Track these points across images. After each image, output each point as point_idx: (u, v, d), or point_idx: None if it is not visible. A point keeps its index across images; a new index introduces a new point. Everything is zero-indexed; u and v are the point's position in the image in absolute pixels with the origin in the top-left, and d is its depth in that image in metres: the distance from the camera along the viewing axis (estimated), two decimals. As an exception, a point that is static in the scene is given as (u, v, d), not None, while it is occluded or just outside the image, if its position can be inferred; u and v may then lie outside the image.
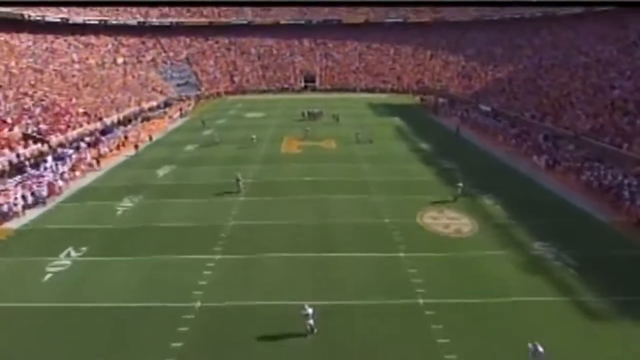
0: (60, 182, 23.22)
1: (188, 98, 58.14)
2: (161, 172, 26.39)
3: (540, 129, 34.66)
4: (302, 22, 74.89)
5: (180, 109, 48.35)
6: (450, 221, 18.95)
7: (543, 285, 14.02)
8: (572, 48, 51.14)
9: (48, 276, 15.03)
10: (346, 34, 73.89)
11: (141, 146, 33.35)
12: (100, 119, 41.13)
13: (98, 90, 49.17)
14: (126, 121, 42.65)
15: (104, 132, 37.65)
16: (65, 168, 26.29)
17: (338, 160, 28.14)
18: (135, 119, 43.41)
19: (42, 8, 58.93)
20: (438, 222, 18.80)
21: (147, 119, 44.49)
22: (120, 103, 47.62)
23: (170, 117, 44.31)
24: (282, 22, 74.61)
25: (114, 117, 42.86)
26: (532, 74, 48.94)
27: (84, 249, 16.94)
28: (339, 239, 17.23)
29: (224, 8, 74.42)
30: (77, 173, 26.08)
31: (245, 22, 74.15)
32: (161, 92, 58.48)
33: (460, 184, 21.68)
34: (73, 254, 16.61)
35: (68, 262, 16.00)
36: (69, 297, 13.70)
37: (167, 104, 52.92)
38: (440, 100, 52.52)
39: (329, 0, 72.41)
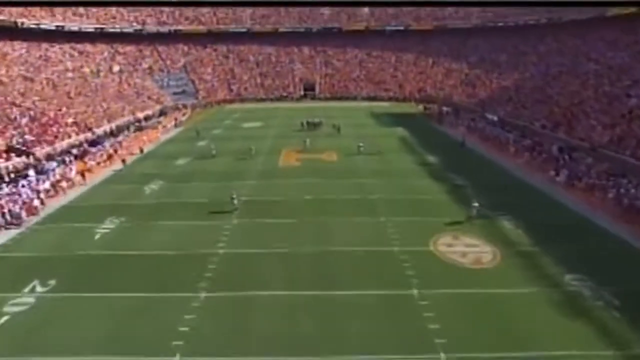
0: (36, 201, 20.99)
1: (185, 107, 56.17)
2: (149, 189, 24.19)
3: (553, 140, 32.51)
4: (302, 29, 73.21)
5: (175, 119, 46.31)
6: (468, 249, 16.70)
7: (586, 333, 11.74)
8: (580, 55, 49.25)
9: (4, 319, 12.77)
10: (346, 41, 72.15)
11: (131, 159, 31.21)
12: (90, 129, 39.08)
13: (91, 100, 47.21)
14: (118, 131, 40.60)
15: (93, 143, 35.58)
16: (47, 184, 24.10)
17: (340, 176, 25.93)
18: (128, 129, 41.33)
19: (37, 15, 57.26)
20: (454, 250, 16.55)
21: (140, 129, 42.44)
22: (113, 113, 45.62)
23: (164, 127, 42.24)
24: (282, 29, 72.97)
25: (106, 128, 40.82)
26: (539, 81, 46.97)
27: (52, 282, 14.70)
28: (342, 273, 14.96)
29: (222, 16, 72.83)
30: (59, 189, 23.88)
31: (243, 29, 72.49)
32: (157, 101, 56.56)
33: (476, 204, 19.47)
34: (38, 289, 14.37)
35: (31, 300, 13.74)
36: (22, 349, 11.43)
37: (162, 113, 50.95)
38: (444, 109, 50.50)
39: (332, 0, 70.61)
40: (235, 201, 20.73)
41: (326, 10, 75.22)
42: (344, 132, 38.21)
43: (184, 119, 47.16)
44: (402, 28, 71.65)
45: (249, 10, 73.94)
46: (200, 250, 16.70)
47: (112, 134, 39.65)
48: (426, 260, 15.85)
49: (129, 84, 57.48)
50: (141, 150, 33.37)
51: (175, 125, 43.75)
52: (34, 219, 20.29)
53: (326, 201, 21.59)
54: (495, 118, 42.92)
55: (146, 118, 47.26)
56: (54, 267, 15.65)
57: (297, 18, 74.03)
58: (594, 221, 19.32)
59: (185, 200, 22.39)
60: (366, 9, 75.07)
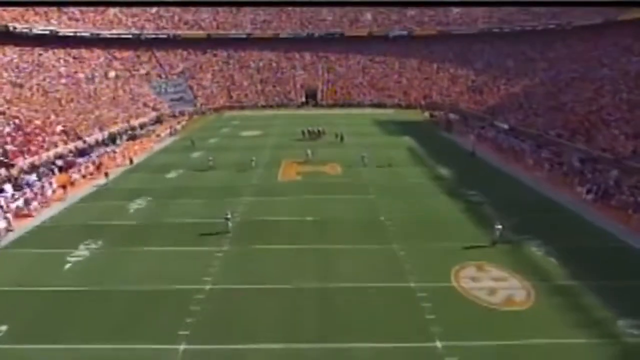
0: (2, 223, 18.52)
1: (182, 114, 53.88)
2: (134, 207, 21.70)
3: (572, 151, 30.05)
4: (303, 35, 71.09)
5: (171, 127, 43.94)
6: (496, 284, 14.15)
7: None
8: (592, 60, 46.92)
9: None
10: (349, 47, 69.98)
11: (118, 171, 28.81)
12: (80, 137, 36.75)
13: (83, 107, 44.96)
14: (110, 140, 38.24)
15: (81, 153, 33.22)
16: (20, 202, 21.66)
17: (345, 192, 23.41)
18: (121, 137, 38.97)
19: (30, 20, 55.25)
20: (480, 286, 14.00)
21: (134, 137, 40.10)
22: (106, 120, 43.33)
23: (158, 135, 39.83)
24: (283, 35, 70.89)
25: (97, 136, 38.50)
26: (551, 88, 44.58)
27: (3, 328, 12.19)
28: (349, 317, 12.41)
29: (222, 20, 70.83)
30: (33, 207, 21.43)
31: (244, 35, 70.41)
32: (153, 108, 54.30)
33: (499, 226, 16.93)
34: (-12, 338, 11.85)
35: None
36: None
37: (158, 121, 48.64)
38: (452, 116, 48.11)
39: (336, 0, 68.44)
40: (230, 223, 18.29)
41: (328, 16, 73.26)
42: (348, 142, 35.81)
43: (179, 127, 44.77)
44: (405, 33, 69.47)
45: (249, 15, 72.00)
46: (184, 285, 14.18)
47: (104, 142, 37.33)
48: (449, 299, 13.30)
49: (124, 91, 55.25)
50: (131, 161, 30.96)
51: (171, 134, 41.39)
52: (1, 243, 17.82)
53: (330, 223, 19.07)
54: (506, 126, 40.51)
55: (141, 126, 44.96)
56: (13, 310, 13.11)
57: (298, 23, 71.99)
58: (636, 246, 16.76)
59: (172, 220, 19.91)
60: (369, 15, 73.11)
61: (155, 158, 32.82)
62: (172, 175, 27.71)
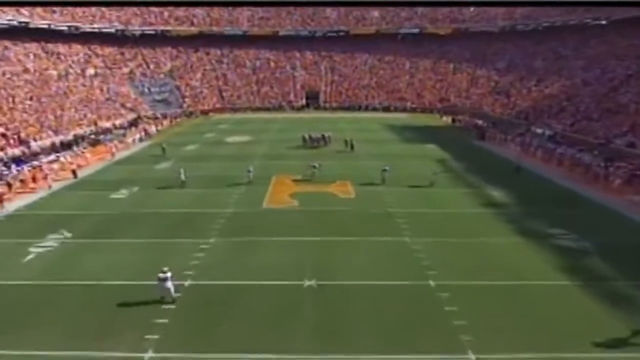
0: None
1: (164, 117, 45.81)
2: (35, 253, 13.39)
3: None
4: (305, 32, 63.37)
5: (145, 130, 35.75)
6: None
7: None
8: (645, 56, 38.68)
9: None
10: (354, 46, 62.14)
11: (56, 187, 20.62)
12: (24, 142, 28.59)
13: (43, 106, 36.85)
14: (65, 146, 30.11)
15: (16, 161, 25.06)
16: None
17: (364, 228, 15.04)
18: (77, 143, 30.81)
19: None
20: None
21: (97, 142, 31.97)
22: (67, 122, 35.20)
23: (121, 141, 31.54)
24: (282, 33, 63.13)
25: (51, 140, 30.39)
26: (600, 88, 36.35)
27: None
28: None
29: (216, 17, 63.01)
30: None
31: (240, 32, 62.64)
32: (132, 110, 46.23)
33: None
34: None
35: None
36: None
37: (132, 124, 40.49)
38: (478, 121, 39.91)
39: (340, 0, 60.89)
40: (172, 290, 10.08)
41: (332, 13, 65.48)
42: (359, 151, 27.56)
43: (155, 130, 36.59)
44: (417, 31, 61.56)
45: (246, 12, 64.17)
46: None
47: (54, 149, 29.19)
48: None
49: (101, 90, 47.22)
50: (74, 174, 22.72)
51: (141, 139, 33.17)
52: None
53: (343, 293, 10.73)
54: (548, 132, 32.29)
55: (109, 130, 36.77)
56: None
57: (299, 20, 64.18)
58: None
59: (87, 277, 11.57)
60: (376, 12, 65.28)
61: (109, 170, 24.50)
62: (121, 195, 19.44)
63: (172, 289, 10.18)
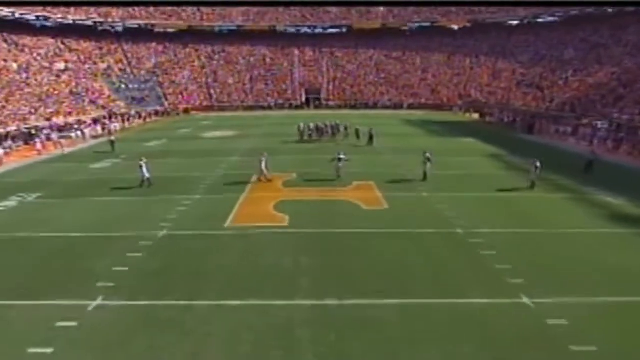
0: None
1: (139, 115, 38.22)
2: None
3: None
4: (304, 28, 56.40)
5: (104, 127, 27.95)
6: None
7: None
8: None
9: None
10: (358, 41, 55.03)
11: None
12: None
13: (-18, 98, 29.27)
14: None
15: None
16: None
17: (424, 284, 7.13)
18: (6, 138, 23.01)
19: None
20: None
21: (30, 138, 24.16)
22: (6, 116, 27.54)
23: (65, 138, 23.51)
24: (280, 28, 56.17)
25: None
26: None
27: None
28: None
29: (207, 10, 56.00)
30: None
31: (233, 27, 55.64)
32: (103, 107, 38.68)
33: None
34: None
35: None
36: None
37: (97, 121, 32.74)
38: (511, 117, 32.31)
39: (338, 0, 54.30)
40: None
41: (334, 7, 58.57)
42: (380, 145, 19.71)
43: (119, 127, 28.82)
44: (428, 24, 54.52)
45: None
46: None
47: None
48: None
49: (67, 85, 39.77)
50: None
51: (95, 137, 25.30)
52: None
53: None
54: (607, 124, 24.60)
55: (60, 128, 28.95)
56: None
57: (298, 15, 57.19)
58: None
59: None
60: (381, 7, 58.40)
61: (31, 169, 16.64)
62: (2, 207, 11.55)
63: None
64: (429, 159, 12.73)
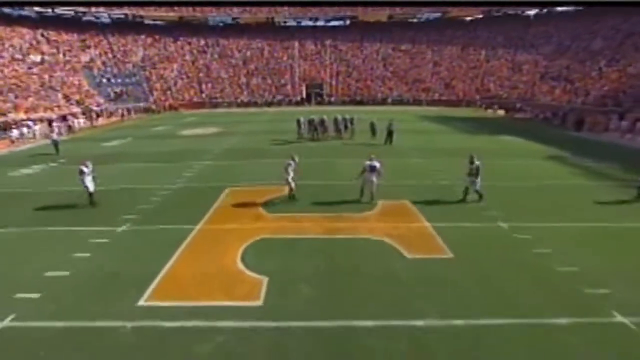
0: None
1: (122, 113, 33.45)
2: None
3: None
4: (305, 20, 51.64)
5: (59, 125, 23.07)
6: None
7: None
8: None
9: None
10: (363, 34, 50.23)
11: None
12: None
13: None
14: None
15: None
16: None
17: None
18: None
19: None
20: None
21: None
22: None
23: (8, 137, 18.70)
24: (279, 20, 51.47)
25: None
26: None
27: None
28: None
29: (200, 0, 51.25)
30: None
31: (229, 19, 50.94)
32: (78, 102, 33.91)
33: None
34: None
35: None
36: None
37: (66, 118, 27.92)
38: (554, 112, 27.42)
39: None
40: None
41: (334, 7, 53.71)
42: (400, 144, 14.80)
43: (80, 125, 24.00)
44: (438, 15, 49.72)
45: (236, -4, 52.42)
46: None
47: None
48: None
49: (39, 77, 35.03)
50: None
51: (46, 135, 20.40)
52: None
53: None
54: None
55: (14, 123, 24.14)
56: None
57: (300, 8, 52.39)
58: None
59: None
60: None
61: None
62: None
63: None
64: (477, 171, 7.74)
